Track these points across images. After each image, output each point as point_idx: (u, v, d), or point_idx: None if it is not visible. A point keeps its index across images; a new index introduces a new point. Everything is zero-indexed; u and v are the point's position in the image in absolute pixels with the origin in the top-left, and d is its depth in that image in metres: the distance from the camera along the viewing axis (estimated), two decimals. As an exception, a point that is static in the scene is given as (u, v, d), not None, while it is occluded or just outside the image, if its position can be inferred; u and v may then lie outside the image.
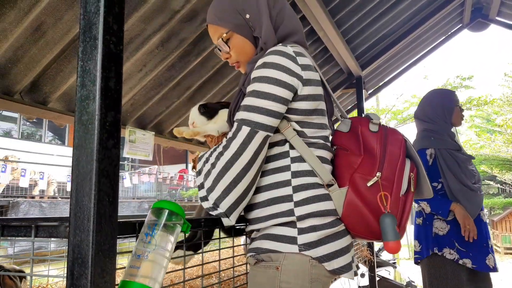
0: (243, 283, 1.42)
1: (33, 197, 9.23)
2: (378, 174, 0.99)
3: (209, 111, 1.25)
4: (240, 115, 0.94)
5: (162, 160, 14.35)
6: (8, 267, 1.33)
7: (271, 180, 0.98)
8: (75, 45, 1.85)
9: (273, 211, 0.96)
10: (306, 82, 0.96)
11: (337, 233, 0.97)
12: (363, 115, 1.79)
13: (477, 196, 2.02)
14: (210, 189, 0.94)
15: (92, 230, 0.62)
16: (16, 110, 2.01)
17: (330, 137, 1.10)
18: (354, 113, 4.68)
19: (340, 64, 3.46)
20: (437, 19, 3.55)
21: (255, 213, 0.99)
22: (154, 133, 2.75)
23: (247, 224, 1.06)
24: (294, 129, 0.98)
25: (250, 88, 0.95)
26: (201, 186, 0.98)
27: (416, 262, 2.14)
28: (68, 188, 9.54)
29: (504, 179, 11.69)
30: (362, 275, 3.42)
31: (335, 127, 1.15)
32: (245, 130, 0.91)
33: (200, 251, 1.18)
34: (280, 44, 0.99)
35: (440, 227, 2.01)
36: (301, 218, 0.93)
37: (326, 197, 0.97)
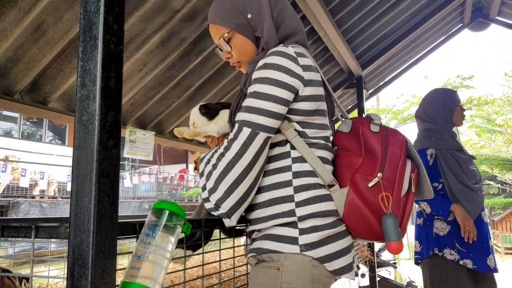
0: (244, 283, 1.42)
1: (33, 197, 9.24)
2: (379, 174, 0.99)
3: (210, 112, 1.25)
4: (241, 116, 0.93)
5: (163, 160, 14.36)
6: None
7: (272, 181, 0.98)
8: (75, 45, 1.85)
9: (274, 211, 0.96)
10: (307, 83, 0.96)
11: (338, 233, 0.96)
12: (363, 115, 1.79)
13: (477, 197, 2.01)
14: (212, 190, 0.94)
15: (92, 231, 0.62)
16: (16, 110, 2.01)
17: (331, 138, 1.10)
18: (355, 113, 4.68)
19: (341, 63, 3.46)
20: (437, 18, 3.55)
21: (256, 214, 0.99)
22: (154, 133, 2.75)
23: (248, 224, 1.05)
24: (295, 130, 0.97)
25: (251, 89, 0.95)
26: (204, 188, 0.98)
27: (416, 263, 2.14)
28: (68, 188, 9.54)
29: (505, 179, 11.67)
30: (363, 276, 3.41)
31: (336, 128, 1.15)
32: (246, 131, 0.91)
33: (200, 251, 1.18)
34: (281, 44, 0.99)
35: (440, 227, 2.01)
36: (302, 218, 0.93)
37: (327, 198, 0.97)
